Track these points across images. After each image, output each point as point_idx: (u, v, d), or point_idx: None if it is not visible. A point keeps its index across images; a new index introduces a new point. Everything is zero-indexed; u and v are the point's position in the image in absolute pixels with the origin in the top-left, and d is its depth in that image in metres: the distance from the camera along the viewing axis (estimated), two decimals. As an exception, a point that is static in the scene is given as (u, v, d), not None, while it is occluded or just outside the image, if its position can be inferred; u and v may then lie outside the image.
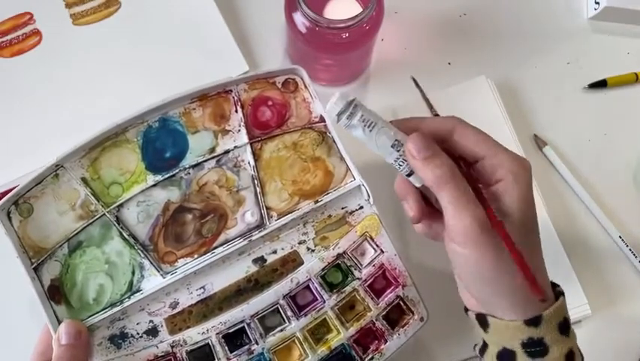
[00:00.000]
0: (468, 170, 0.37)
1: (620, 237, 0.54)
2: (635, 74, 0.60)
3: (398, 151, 0.36)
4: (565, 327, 0.36)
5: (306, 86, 0.45)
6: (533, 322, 0.35)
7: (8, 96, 0.55)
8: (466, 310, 0.39)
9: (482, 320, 0.37)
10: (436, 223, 0.38)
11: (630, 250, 0.54)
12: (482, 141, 0.37)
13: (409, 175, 0.37)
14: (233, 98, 0.44)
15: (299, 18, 0.50)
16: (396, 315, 0.43)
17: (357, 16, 0.47)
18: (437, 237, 0.39)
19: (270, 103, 0.45)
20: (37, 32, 0.57)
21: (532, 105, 0.59)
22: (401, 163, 0.36)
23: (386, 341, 0.42)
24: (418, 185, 0.37)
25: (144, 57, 0.57)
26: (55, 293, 0.40)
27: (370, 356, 0.42)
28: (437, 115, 0.37)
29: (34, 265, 0.40)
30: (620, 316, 0.53)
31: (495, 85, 0.57)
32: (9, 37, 0.56)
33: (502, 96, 0.57)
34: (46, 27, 0.57)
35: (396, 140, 0.36)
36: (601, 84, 0.59)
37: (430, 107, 0.38)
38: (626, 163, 0.58)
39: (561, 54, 0.61)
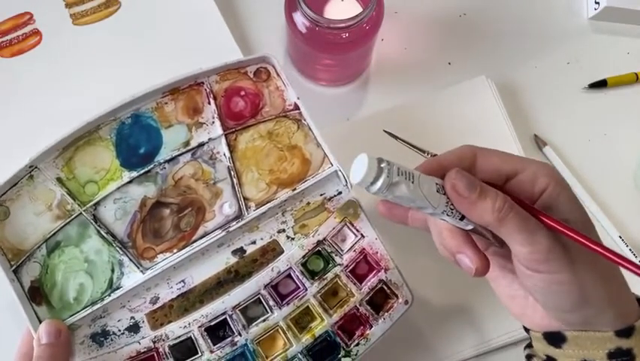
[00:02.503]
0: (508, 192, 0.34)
1: (620, 237, 0.53)
2: (635, 74, 0.59)
3: (444, 195, 0.32)
4: None
5: (278, 74, 0.45)
6: (625, 333, 0.33)
7: (8, 96, 0.54)
8: (527, 330, 0.37)
9: (555, 337, 0.35)
10: (498, 262, 0.36)
11: (630, 250, 0.53)
12: (508, 157, 0.34)
13: (462, 218, 0.32)
14: (206, 90, 0.44)
15: (299, 18, 0.50)
16: (380, 299, 0.42)
17: (357, 16, 0.47)
18: (503, 272, 0.36)
19: (242, 93, 0.44)
20: (37, 32, 0.56)
21: (532, 105, 0.58)
22: (452, 208, 0.32)
23: (371, 326, 0.41)
24: (469, 228, 0.33)
25: (144, 57, 0.56)
26: (36, 294, 0.40)
27: (356, 341, 0.41)
28: (434, 155, 0.33)
29: (13, 268, 0.40)
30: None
31: (495, 85, 0.56)
32: (9, 37, 0.56)
33: (502, 96, 0.56)
34: (46, 27, 0.57)
35: (436, 183, 0.32)
36: (601, 84, 0.59)
37: (423, 151, 0.35)
38: (626, 163, 0.57)
39: (561, 54, 0.60)
